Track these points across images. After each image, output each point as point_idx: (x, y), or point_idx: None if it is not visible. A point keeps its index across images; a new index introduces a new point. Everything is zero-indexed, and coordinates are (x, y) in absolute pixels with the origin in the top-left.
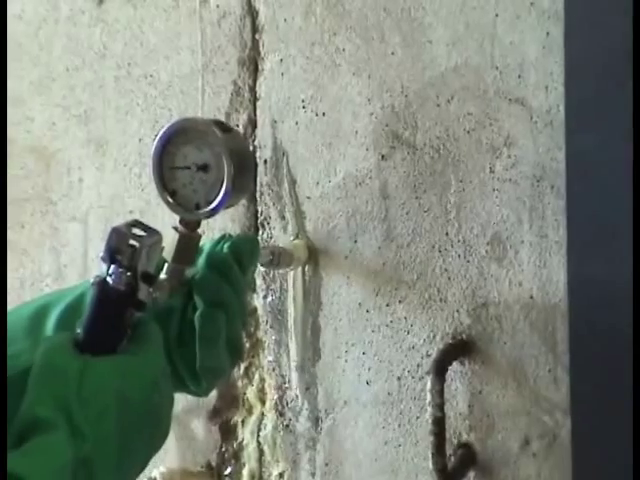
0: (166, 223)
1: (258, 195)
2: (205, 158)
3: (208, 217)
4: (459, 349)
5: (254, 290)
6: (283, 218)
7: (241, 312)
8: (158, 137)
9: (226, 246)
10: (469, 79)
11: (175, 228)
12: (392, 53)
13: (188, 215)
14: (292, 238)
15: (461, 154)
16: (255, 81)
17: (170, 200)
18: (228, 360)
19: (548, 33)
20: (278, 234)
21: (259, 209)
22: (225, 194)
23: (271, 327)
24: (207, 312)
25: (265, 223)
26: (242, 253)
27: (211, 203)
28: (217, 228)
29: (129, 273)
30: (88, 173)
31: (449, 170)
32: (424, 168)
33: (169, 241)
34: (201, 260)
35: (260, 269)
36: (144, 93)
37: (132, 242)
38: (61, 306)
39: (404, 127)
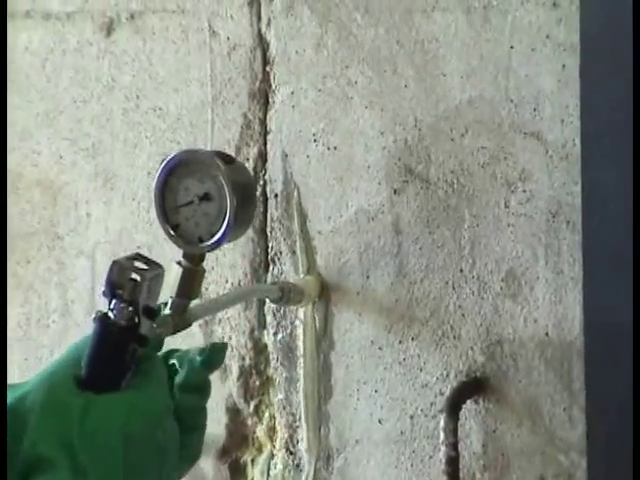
0: (174, 259)
1: (269, 230)
2: (207, 190)
3: (211, 250)
4: (473, 387)
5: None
6: (294, 253)
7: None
8: (160, 170)
9: (199, 360)
10: (483, 112)
11: (179, 262)
12: (405, 86)
13: (191, 248)
14: (303, 274)
15: (475, 188)
16: (266, 114)
17: (172, 234)
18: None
19: (564, 66)
20: (289, 270)
21: (270, 244)
22: (228, 226)
23: (281, 364)
24: (183, 439)
25: (276, 258)
26: (216, 365)
27: (214, 236)
28: (227, 264)
29: (131, 307)
30: (96, 207)
31: (463, 205)
32: (437, 203)
33: (174, 276)
34: (178, 382)
35: (270, 305)
36: (153, 126)
37: (133, 276)
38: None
39: (417, 161)
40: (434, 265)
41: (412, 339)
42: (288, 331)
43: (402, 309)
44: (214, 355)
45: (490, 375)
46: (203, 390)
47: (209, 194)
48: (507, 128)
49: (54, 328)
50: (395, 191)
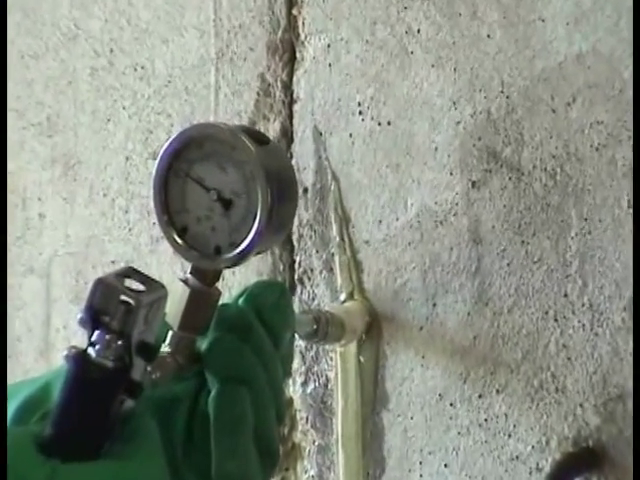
0: (163, 278)
1: (295, 239)
2: (231, 182)
3: (232, 265)
4: (584, 460)
5: (289, 374)
6: (331, 271)
7: (274, 393)
8: (163, 149)
9: (241, 300)
10: (598, 73)
11: (184, 281)
12: (488, 36)
13: (204, 262)
14: (343, 300)
15: (586, 181)
16: (292, 75)
17: (179, 241)
18: (258, 465)
19: None
20: (324, 294)
21: (297, 258)
22: (258, 233)
23: (313, 427)
24: (225, 391)
25: (305, 278)
26: (266, 306)
27: (237, 246)
28: (236, 285)
29: (120, 342)
30: (52, 206)
31: (569, 203)
32: (533, 201)
33: (177, 299)
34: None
35: (299, 343)
36: (133, 92)
37: (125, 299)
38: (17, 401)
39: (504, 142)
40: (528, 288)
41: (497, 392)
42: (322, 381)
43: (483, 350)
44: (260, 290)
45: (608, 444)
46: (239, 330)
47: (233, 188)
48: (631, 95)
49: None
50: (473, 184)
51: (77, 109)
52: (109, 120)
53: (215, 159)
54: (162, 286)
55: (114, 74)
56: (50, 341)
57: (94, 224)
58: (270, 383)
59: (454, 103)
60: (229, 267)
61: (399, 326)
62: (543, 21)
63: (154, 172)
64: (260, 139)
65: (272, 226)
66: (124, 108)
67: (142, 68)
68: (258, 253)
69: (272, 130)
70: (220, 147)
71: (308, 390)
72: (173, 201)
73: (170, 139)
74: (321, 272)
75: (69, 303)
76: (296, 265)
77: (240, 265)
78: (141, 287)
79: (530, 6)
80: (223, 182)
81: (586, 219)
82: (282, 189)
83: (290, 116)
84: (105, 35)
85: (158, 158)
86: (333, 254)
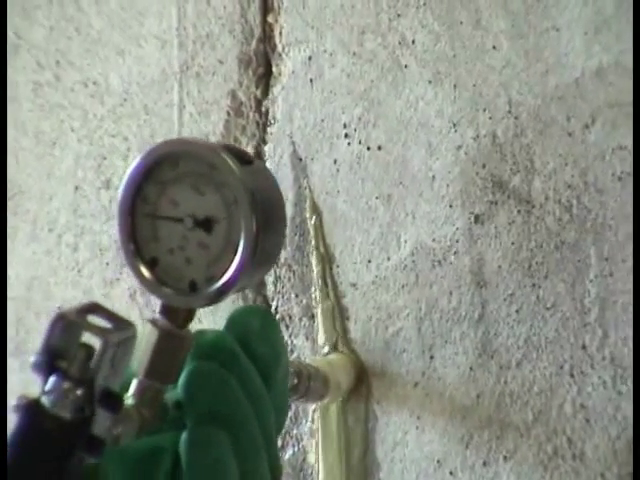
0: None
1: (272, 281)
2: (209, 207)
3: (209, 303)
4: None
5: (281, 427)
6: (312, 318)
7: (265, 439)
8: (131, 169)
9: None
10: (621, 90)
11: (153, 321)
12: (494, 47)
13: (177, 300)
14: (326, 351)
15: (607, 215)
16: (267, 93)
17: (147, 274)
18: None
19: None
20: (303, 344)
21: (273, 303)
22: (240, 266)
23: None
24: (197, 434)
25: (283, 326)
26: (250, 334)
27: (216, 281)
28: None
29: (80, 391)
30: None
31: (587, 241)
32: (545, 237)
33: (144, 343)
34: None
35: None
36: (83, 111)
37: (85, 342)
38: None
39: (512, 170)
40: (540, 338)
41: (504, 459)
42: (301, 445)
43: (487, 410)
44: (244, 315)
45: None
46: (220, 360)
47: (211, 218)
48: None
49: None
50: (477, 218)
51: (18, 130)
52: (55, 144)
53: (191, 180)
54: (130, 324)
55: (61, 90)
56: None
57: (37, 264)
58: (261, 424)
59: (454, 125)
60: (205, 306)
61: (391, 382)
62: (557, 30)
63: (120, 194)
64: (244, 158)
65: (256, 258)
66: (73, 130)
67: (94, 84)
68: (240, 289)
69: None
70: (198, 166)
71: (286, 456)
72: (141, 228)
73: (142, 155)
74: (301, 319)
75: (9, 356)
76: (273, 310)
77: (218, 303)
78: (107, 325)
79: (542, 13)
80: (200, 207)
81: (607, 259)
82: (268, 215)
83: (265, 139)
84: (50, 45)
85: (125, 179)
86: (315, 299)
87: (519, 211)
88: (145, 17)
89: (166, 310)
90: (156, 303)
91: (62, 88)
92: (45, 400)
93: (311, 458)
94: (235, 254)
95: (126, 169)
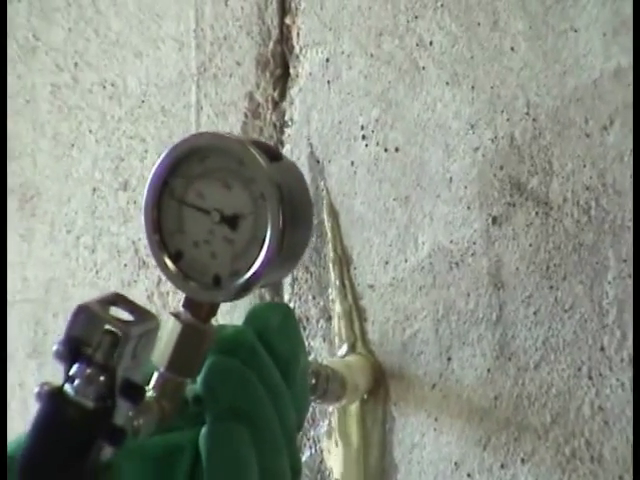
0: None
1: (289, 282)
2: (236, 201)
3: (233, 298)
4: None
5: (301, 426)
6: (329, 320)
7: (285, 436)
8: (159, 162)
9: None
10: None
11: (175, 315)
12: (512, 49)
13: (201, 294)
14: (344, 353)
15: (626, 216)
16: (284, 94)
17: (172, 267)
18: None
19: None
20: (321, 346)
21: (291, 304)
22: (265, 261)
23: None
24: (217, 429)
25: (300, 327)
26: (269, 329)
27: (240, 276)
28: None
29: (103, 378)
30: (8, 244)
31: (605, 242)
32: (564, 239)
33: (166, 335)
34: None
35: None
36: (101, 113)
37: (110, 328)
38: None
39: (530, 171)
40: (558, 340)
41: (522, 461)
42: (319, 447)
43: (505, 412)
44: (263, 311)
45: None
46: (240, 356)
47: (239, 208)
48: None
49: None
50: (494, 220)
51: (36, 132)
52: (73, 145)
53: (219, 175)
54: (153, 316)
55: (79, 92)
56: (8, 405)
57: (55, 265)
58: (281, 421)
59: (472, 126)
60: (229, 300)
61: (408, 384)
62: (576, 31)
63: (147, 188)
64: (272, 154)
65: (282, 254)
66: (91, 131)
67: (112, 85)
68: (263, 285)
69: None
70: (226, 161)
71: (303, 458)
72: (167, 220)
73: (169, 148)
74: (318, 321)
75: (26, 358)
76: None
77: (241, 298)
78: (129, 316)
79: (560, 14)
80: (227, 202)
81: (625, 260)
82: (296, 211)
83: (282, 141)
84: (69, 47)
85: (152, 171)
86: (332, 300)
87: (537, 213)
88: (163, 19)
89: (189, 304)
90: (173, 306)
91: (80, 90)
92: (68, 387)
93: (328, 460)
94: (261, 249)
95: (143, 171)
